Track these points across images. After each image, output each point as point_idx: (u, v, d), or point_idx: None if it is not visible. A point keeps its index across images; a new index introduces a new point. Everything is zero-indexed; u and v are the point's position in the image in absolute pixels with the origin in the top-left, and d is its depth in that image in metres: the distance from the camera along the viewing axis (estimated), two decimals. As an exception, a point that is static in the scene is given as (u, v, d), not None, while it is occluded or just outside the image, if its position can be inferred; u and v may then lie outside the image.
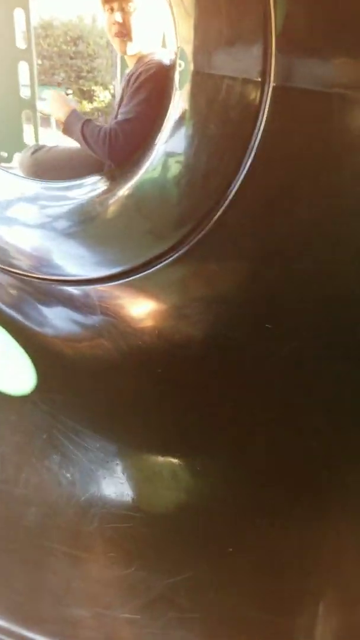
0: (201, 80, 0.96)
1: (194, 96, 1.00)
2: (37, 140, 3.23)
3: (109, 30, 1.48)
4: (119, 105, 1.51)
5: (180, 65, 1.00)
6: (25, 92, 3.07)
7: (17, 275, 1.13)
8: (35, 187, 1.62)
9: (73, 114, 1.50)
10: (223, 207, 0.91)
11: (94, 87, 10.25)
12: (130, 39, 1.46)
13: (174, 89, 1.05)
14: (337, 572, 0.80)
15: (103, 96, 10.27)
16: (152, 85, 1.35)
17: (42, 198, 1.57)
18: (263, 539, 0.81)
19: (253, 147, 0.85)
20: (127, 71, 1.56)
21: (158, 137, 1.17)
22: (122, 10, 1.42)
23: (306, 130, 0.82)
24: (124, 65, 1.65)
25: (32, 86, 3.06)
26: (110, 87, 9.80)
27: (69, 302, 1.11)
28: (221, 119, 0.93)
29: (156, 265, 1.01)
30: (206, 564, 0.79)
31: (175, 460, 0.93)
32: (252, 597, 0.76)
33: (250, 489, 0.87)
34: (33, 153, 1.76)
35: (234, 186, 0.89)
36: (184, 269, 1.02)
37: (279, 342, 0.89)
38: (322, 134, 0.80)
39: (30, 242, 1.31)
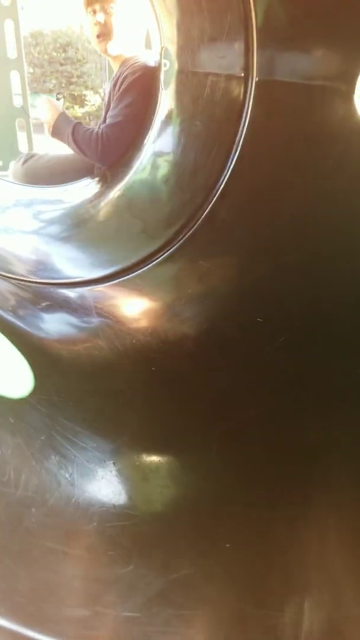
0: (186, 79, 0.97)
1: (179, 95, 1.01)
2: (30, 147, 3.26)
3: (91, 32, 1.50)
4: (107, 109, 1.52)
5: (165, 65, 1.00)
6: (17, 101, 3.11)
7: (14, 281, 1.14)
8: (30, 193, 1.63)
9: (61, 117, 1.52)
10: (212, 203, 0.91)
11: (84, 92, 10.31)
12: (110, 38, 1.47)
13: (160, 88, 1.06)
14: (322, 567, 0.80)
15: (94, 100, 10.32)
16: (139, 87, 1.35)
17: (36, 203, 1.58)
18: (253, 535, 0.81)
19: (239, 142, 0.86)
20: (113, 75, 1.57)
21: (147, 137, 1.17)
22: (104, 11, 1.44)
23: (290, 122, 0.82)
24: (112, 68, 1.65)
25: (24, 94, 3.09)
26: (100, 90, 9.85)
27: (65, 304, 1.11)
28: (207, 116, 0.93)
29: (149, 264, 1.02)
30: (202, 560, 0.79)
31: (171, 458, 0.93)
32: (246, 592, 0.76)
33: (242, 484, 0.87)
34: (24, 162, 1.77)
35: (222, 182, 0.89)
36: (177, 266, 1.02)
37: (270, 336, 0.89)
38: (305, 126, 0.81)
39: (26, 248, 1.32)
